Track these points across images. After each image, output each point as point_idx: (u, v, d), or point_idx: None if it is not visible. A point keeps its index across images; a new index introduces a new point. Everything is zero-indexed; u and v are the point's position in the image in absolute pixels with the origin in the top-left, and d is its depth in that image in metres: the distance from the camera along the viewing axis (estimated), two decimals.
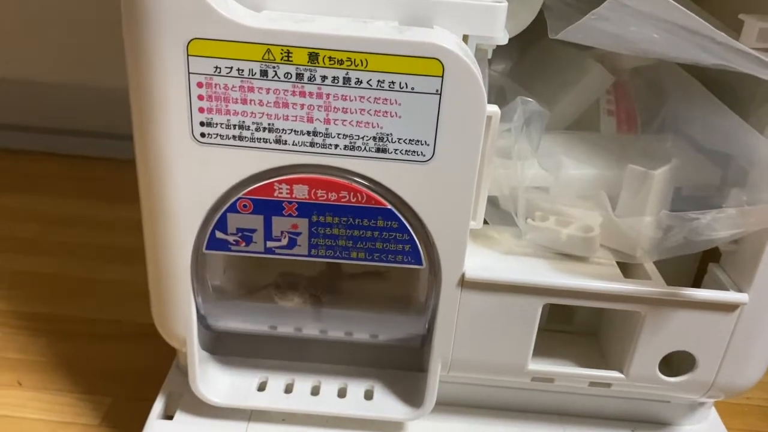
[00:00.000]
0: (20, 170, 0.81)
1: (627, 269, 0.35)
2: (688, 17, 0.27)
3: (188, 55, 0.28)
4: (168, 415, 0.39)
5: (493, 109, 0.30)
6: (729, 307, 0.34)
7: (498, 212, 0.36)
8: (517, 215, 0.34)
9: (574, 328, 0.40)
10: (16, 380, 0.49)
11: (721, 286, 0.35)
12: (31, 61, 0.83)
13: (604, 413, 0.40)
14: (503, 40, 0.31)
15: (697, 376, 0.36)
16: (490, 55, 0.33)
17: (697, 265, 0.39)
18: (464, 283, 0.33)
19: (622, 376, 0.36)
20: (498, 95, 0.41)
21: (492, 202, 0.36)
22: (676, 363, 0.37)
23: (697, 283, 0.39)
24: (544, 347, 0.36)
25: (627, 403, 0.40)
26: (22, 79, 0.83)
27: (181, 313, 0.34)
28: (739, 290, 0.34)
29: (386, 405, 0.37)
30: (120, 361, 0.51)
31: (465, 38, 0.31)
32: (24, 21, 0.81)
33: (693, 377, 0.36)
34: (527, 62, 0.44)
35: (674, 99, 0.37)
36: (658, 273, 0.34)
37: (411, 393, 0.38)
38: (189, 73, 0.29)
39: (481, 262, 0.33)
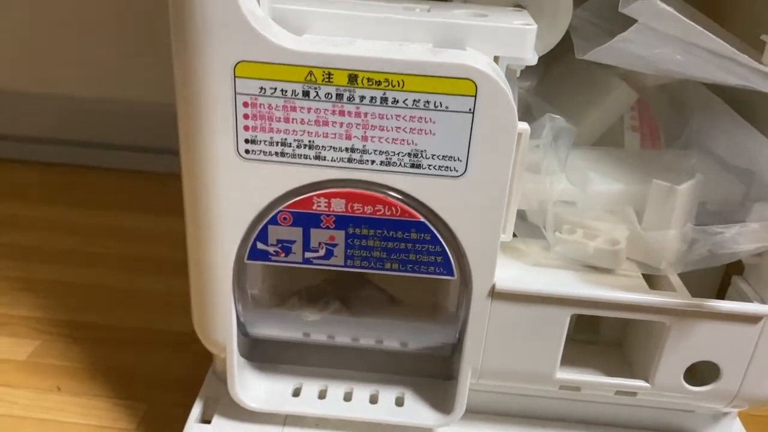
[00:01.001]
0: (58, 183, 0.83)
1: (652, 281, 0.36)
2: (712, 40, 0.28)
3: (235, 77, 0.30)
4: (205, 420, 0.41)
5: (524, 126, 0.32)
6: (753, 319, 0.35)
7: (526, 225, 0.38)
8: (545, 228, 0.36)
9: (600, 338, 0.41)
10: (56, 385, 0.51)
11: (745, 298, 0.36)
12: (67, 76, 0.86)
13: (629, 422, 0.41)
14: (533, 60, 0.33)
15: (722, 385, 0.36)
16: (518, 75, 0.35)
17: (721, 277, 0.40)
18: (494, 294, 0.34)
19: (647, 385, 0.37)
20: (524, 111, 0.42)
21: (520, 215, 0.37)
22: (700, 373, 0.37)
23: (721, 295, 0.40)
24: (570, 357, 0.37)
25: (651, 412, 0.40)
26: (60, 94, 0.86)
27: (222, 320, 0.36)
28: (763, 302, 0.35)
29: (417, 411, 0.39)
30: (155, 369, 0.53)
31: (496, 59, 0.32)
32: (66, 39, 0.84)
33: (717, 387, 0.36)
34: (552, 79, 0.46)
35: (698, 116, 0.38)
36: (682, 285, 0.35)
37: (440, 400, 0.39)
38: (236, 93, 0.30)
39: (510, 273, 0.35)
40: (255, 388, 0.39)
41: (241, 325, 0.37)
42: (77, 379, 0.52)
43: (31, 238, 0.70)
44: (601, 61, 0.33)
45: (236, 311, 0.36)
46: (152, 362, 0.54)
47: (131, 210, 0.77)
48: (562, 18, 0.38)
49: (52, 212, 0.76)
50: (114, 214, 0.76)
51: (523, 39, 0.32)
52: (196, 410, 0.41)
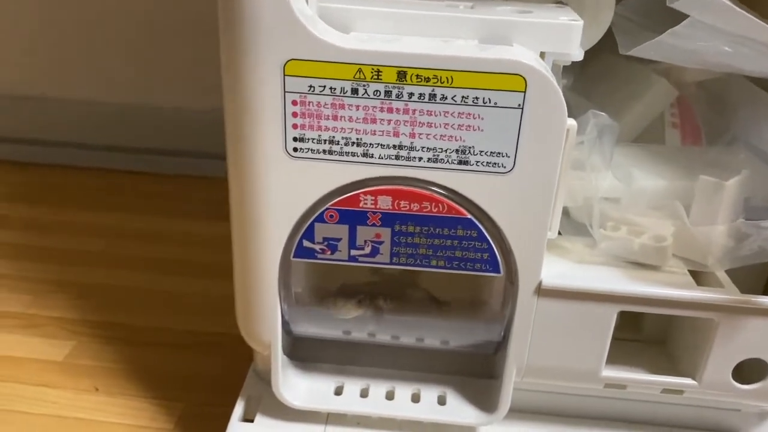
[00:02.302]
0: (84, 186, 0.84)
1: (699, 278, 0.36)
2: (764, 30, 0.28)
3: (285, 75, 0.30)
4: (247, 419, 0.41)
5: (572, 122, 0.31)
6: None
7: (570, 222, 0.37)
8: (591, 225, 0.35)
9: (643, 336, 0.40)
10: (93, 386, 0.51)
11: None
12: (89, 82, 0.87)
13: (673, 421, 0.40)
14: (579, 56, 0.33)
15: None
16: (561, 71, 0.35)
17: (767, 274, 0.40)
18: (541, 291, 0.34)
19: (694, 383, 0.36)
20: None
21: (564, 212, 0.37)
22: (747, 371, 0.37)
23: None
24: (614, 355, 0.37)
25: (696, 411, 0.40)
26: (84, 99, 0.87)
27: (267, 318, 0.36)
28: None
29: (459, 410, 0.38)
30: (190, 369, 0.53)
31: (542, 55, 0.32)
32: (88, 45, 0.85)
33: (766, 385, 0.36)
34: (589, 76, 0.46)
35: (743, 111, 0.37)
36: (730, 281, 0.35)
37: (483, 399, 0.39)
38: (285, 92, 0.30)
39: (556, 270, 0.35)
40: (298, 387, 0.39)
41: (285, 324, 0.37)
42: (113, 379, 0.52)
43: (59, 241, 0.71)
44: (645, 56, 0.33)
45: (281, 309, 0.36)
46: (186, 362, 0.54)
47: (159, 213, 0.78)
48: (604, 14, 0.37)
49: (79, 215, 0.77)
50: (141, 217, 0.76)
51: (570, 35, 0.32)
52: (239, 409, 0.41)
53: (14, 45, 0.86)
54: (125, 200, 0.81)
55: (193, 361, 0.54)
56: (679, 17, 0.31)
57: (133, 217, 0.76)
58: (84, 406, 0.50)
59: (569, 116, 0.35)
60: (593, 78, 0.45)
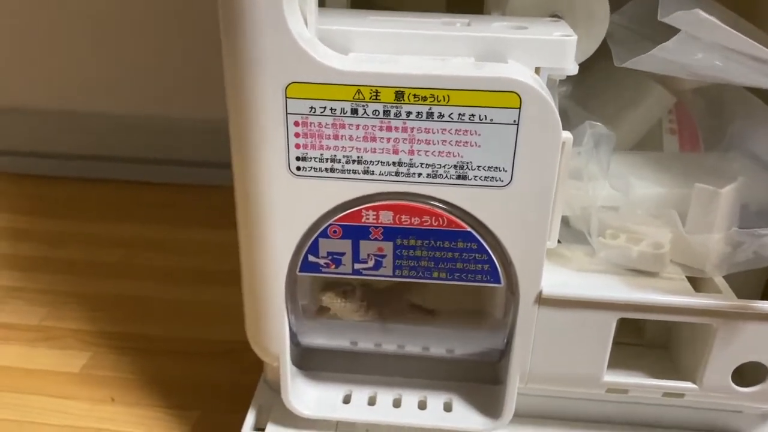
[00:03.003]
0: (97, 198, 0.86)
1: (697, 284, 0.36)
2: (752, 45, 0.29)
3: (286, 98, 0.31)
4: (258, 428, 0.42)
5: (567, 135, 0.32)
6: None
7: (569, 231, 0.38)
8: (589, 234, 0.36)
9: (645, 341, 0.41)
10: (110, 396, 0.53)
11: None
12: (105, 94, 0.88)
13: (676, 423, 0.41)
14: (573, 71, 0.33)
15: None
16: (557, 84, 0.35)
17: (766, 278, 0.40)
18: (541, 300, 0.35)
19: (695, 386, 0.37)
20: (561, 117, 0.43)
21: (563, 221, 0.37)
22: (748, 373, 0.38)
23: (766, 296, 0.40)
24: (616, 360, 0.38)
25: (698, 413, 0.41)
26: (99, 112, 0.89)
27: (275, 331, 0.37)
28: None
29: (465, 416, 0.39)
30: (204, 377, 0.54)
31: (537, 70, 0.33)
32: (103, 58, 0.86)
33: (765, 387, 0.37)
34: (588, 83, 0.46)
35: (739, 118, 0.38)
36: (728, 286, 0.36)
37: (488, 405, 0.40)
38: (287, 113, 0.31)
39: (556, 279, 0.35)
40: (307, 396, 0.40)
41: (292, 335, 0.38)
42: (129, 389, 0.53)
43: (75, 252, 0.73)
44: (639, 68, 0.34)
45: (289, 322, 0.37)
46: (200, 371, 0.55)
47: (172, 222, 0.79)
48: (599, 26, 0.38)
49: (92, 227, 0.78)
50: (154, 227, 0.78)
51: (564, 50, 0.32)
52: (250, 418, 0.42)
53: (37, 62, 0.88)
54: (139, 211, 0.82)
55: (208, 369, 0.55)
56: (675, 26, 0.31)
57: (147, 227, 0.78)
58: (101, 417, 0.51)
59: (568, 125, 0.36)
60: (592, 85, 0.45)
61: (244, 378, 0.53)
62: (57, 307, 0.63)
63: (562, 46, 0.32)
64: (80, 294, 0.65)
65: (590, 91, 0.45)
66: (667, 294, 0.35)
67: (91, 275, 0.68)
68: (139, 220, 0.79)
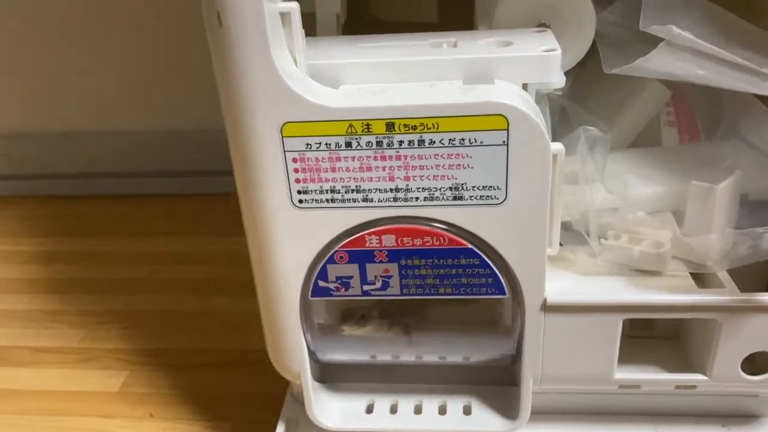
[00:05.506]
0: (117, 215, 0.88)
1: (701, 278, 0.37)
2: (730, 56, 0.29)
3: (283, 137, 0.32)
4: None
5: (558, 146, 0.33)
6: None
7: (571, 233, 0.39)
8: (590, 237, 0.37)
9: (656, 333, 0.42)
10: (149, 413, 0.55)
11: None
12: (121, 112, 0.90)
13: (694, 411, 0.42)
14: (560, 83, 0.34)
15: None
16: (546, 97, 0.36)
17: None
18: (546, 308, 0.36)
19: (705, 378, 0.38)
20: (560, 116, 0.43)
21: (565, 225, 0.38)
22: (760, 359, 0.38)
23: None
24: (628, 354, 0.38)
25: (715, 399, 0.41)
26: (117, 130, 0.91)
27: (294, 351, 0.39)
28: None
29: (485, 419, 0.41)
30: (235, 388, 0.56)
31: (524, 86, 0.34)
32: (121, 79, 0.88)
33: None
34: (585, 80, 0.46)
35: (731, 108, 0.38)
36: (731, 280, 0.36)
37: (506, 406, 0.41)
38: (285, 151, 0.33)
39: (560, 285, 0.36)
40: (331, 409, 0.42)
41: (312, 353, 0.40)
42: (166, 404, 0.56)
43: (104, 271, 0.75)
44: (628, 74, 0.34)
45: (306, 341, 0.39)
46: (232, 382, 0.57)
47: (198, 233, 0.81)
48: (587, 28, 0.39)
49: (116, 243, 0.81)
50: (175, 240, 0.80)
51: (549, 65, 0.33)
52: (280, 431, 0.44)
53: (47, 84, 0.90)
54: (163, 224, 0.85)
55: (239, 379, 0.57)
56: None
57: (169, 240, 0.80)
58: None
59: (567, 123, 0.37)
60: (589, 82, 0.46)
61: (273, 386, 0.54)
62: (93, 328, 0.66)
63: (546, 61, 0.33)
64: (112, 313, 0.68)
65: (588, 87, 0.45)
66: (670, 293, 0.35)
67: (121, 293, 0.71)
68: (165, 233, 0.82)
